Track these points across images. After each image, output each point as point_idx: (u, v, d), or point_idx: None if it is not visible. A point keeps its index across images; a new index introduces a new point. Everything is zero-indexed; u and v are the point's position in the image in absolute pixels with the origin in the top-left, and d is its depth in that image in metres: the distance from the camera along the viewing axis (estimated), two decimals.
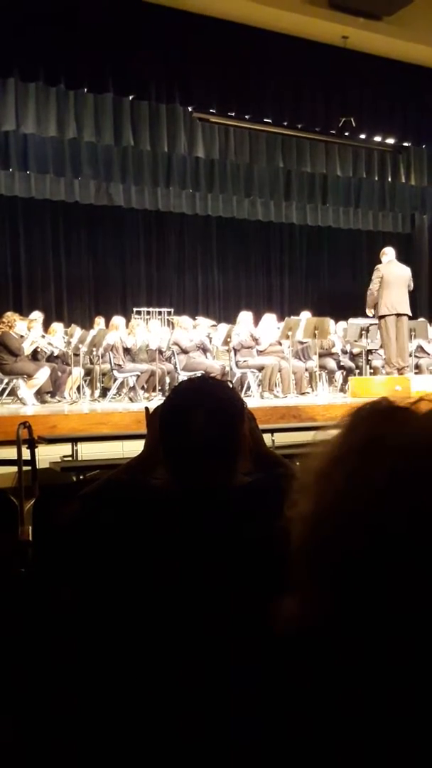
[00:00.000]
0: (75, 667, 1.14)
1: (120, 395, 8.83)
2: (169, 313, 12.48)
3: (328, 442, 0.65)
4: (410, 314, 8.60)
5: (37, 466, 4.40)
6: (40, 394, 7.97)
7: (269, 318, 9.53)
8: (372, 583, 0.58)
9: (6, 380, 8.18)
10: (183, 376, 8.35)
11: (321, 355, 9.38)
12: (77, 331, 9.34)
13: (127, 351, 8.96)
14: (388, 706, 0.58)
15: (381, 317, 8.40)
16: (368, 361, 9.92)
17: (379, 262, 8.72)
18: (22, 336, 8.06)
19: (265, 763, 0.62)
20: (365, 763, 0.58)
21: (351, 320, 10.46)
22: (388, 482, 0.59)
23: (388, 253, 8.64)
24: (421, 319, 10.32)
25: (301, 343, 9.54)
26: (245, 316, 9.33)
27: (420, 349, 10.12)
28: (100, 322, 9.93)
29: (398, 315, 8.31)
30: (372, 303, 8.46)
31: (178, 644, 1.07)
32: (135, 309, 12.40)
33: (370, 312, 8.65)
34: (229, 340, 8.99)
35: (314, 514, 0.63)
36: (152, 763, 0.94)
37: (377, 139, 9.90)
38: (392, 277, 8.32)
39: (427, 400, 0.64)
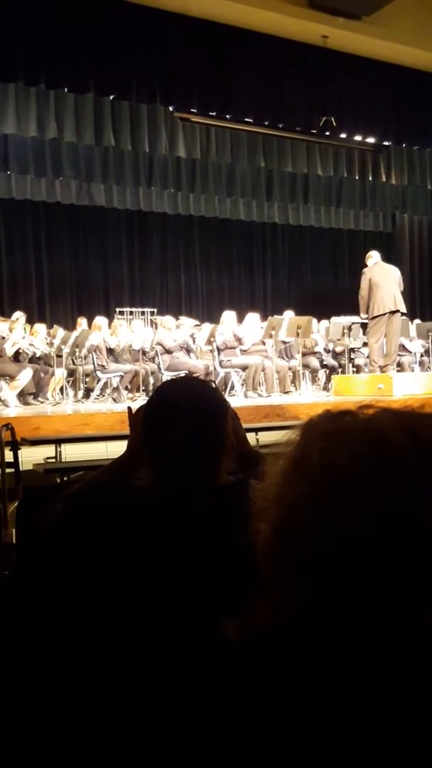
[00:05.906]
0: (58, 671, 1.13)
1: (103, 396, 8.80)
2: (152, 313, 12.43)
3: (282, 456, 0.67)
4: (404, 310, 8.61)
5: (21, 468, 4.39)
6: (22, 396, 7.93)
7: (252, 317, 9.54)
8: (341, 579, 0.59)
9: None
10: (167, 376, 8.33)
11: (304, 354, 9.42)
12: (60, 331, 9.29)
13: (110, 351, 8.93)
14: (352, 696, 0.59)
15: (373, 318, 8.43)
16: (351, 360, 9.97)
17: (363, 263, 8.74)
18: (3, 337, 8.01)
19: (239, 763, 0.63)
20: (338, 761, 0.58)
21: (333, 319, 10.50)
22: (339, 473, 0.61)
23: (374, 256, 8.69)
24: (403, 318, 10.37)
25: (285, 342, 9.56)
26: (228, 316, 9.33)
27: (402, 347, 10.18)
28: (82, 322, 9.88)
29: (391, 313, 8.34)
30: (364, 307, 8.48)
31: (163, 645, 1.07)
32: (118, 309, 12.35)
33: (364, 315, 8.63)
34: (212, 339, 8.98)
35: (281, 516, 0.64)
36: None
37: (358, 138, 9.93)
38: (379, 278, 8.36)
39: (371, 405, 0.67)
